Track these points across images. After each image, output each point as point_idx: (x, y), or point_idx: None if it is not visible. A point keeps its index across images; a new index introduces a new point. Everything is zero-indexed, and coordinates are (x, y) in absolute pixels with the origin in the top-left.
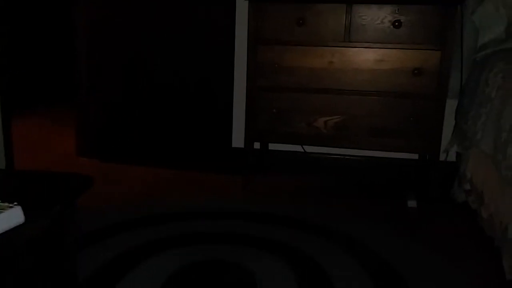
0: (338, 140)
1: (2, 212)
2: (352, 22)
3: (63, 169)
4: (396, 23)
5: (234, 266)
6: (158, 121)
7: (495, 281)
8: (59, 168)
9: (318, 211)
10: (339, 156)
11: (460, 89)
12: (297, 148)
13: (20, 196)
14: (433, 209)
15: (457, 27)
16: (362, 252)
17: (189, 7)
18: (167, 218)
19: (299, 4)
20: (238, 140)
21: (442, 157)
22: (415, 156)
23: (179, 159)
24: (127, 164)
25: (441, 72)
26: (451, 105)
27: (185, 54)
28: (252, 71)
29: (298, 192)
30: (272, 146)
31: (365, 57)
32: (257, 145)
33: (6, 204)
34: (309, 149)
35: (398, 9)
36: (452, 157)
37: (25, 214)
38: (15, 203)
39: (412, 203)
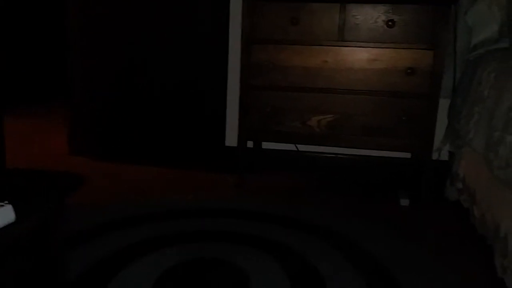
0: (331, 139)
1: None
2: (346, 22)
3: (55, 168)
4: (390, 23)
5: (227, 264)
6: (151, 120)
7: (487, 280)
8: (51, 166)
9: (311, 210)
10: (332, 155)
11: (453, 89)
12: (291, 147)
13: (11, 195)
14: (426, 207)
15: (451, 26)
16: (354, 251)
17: (183, 6)
18: (159, 216)
19: (293, 3)
20: (231, 139)
21: (434, 156)
22: (407, 155)
23: (172, 158)
24: (120, 162)
25: (434, 71)
26: (444, 104)
27: (179, 53)
28: (246, 70)
29: (291, 191)
30: (265, 145)
31: (358, 56)
32: (250, 144)
33: None
34: (303, 148)
35: (391, 9)
36: (444, 156)
37: (16, 212)
38: (6, 201)
39: (404, 202)
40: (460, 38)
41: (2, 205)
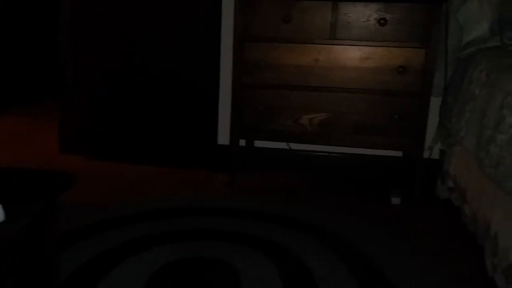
0: (323, 137)
1: None
2: (338, 20)
3: (46, 166)
4: (382, 21)
5: (218, 262)
6: (144, 118)
7: (477, 278)
8: (42, 165)
9: (303, 208)
10: (324, 154)
11: (445, 87)
12: (283, 145)
13: (1, 194)
14: (417, 206)
15: (442, 25)
16: (345, 249)
17: (177, 5)
18: (151, 215)
19: (285, 1)
20: (223, 137)
21: (426, 154)
22: (399, 154)
23: (164, 156)
24: (112, 161)
25: (426, 70)
26: (435, 103)
27: (171, 51)
28: (238, 68)
29: (284, 189)
30: (257, 144)
31: (350, 54)
32: (242, 143)
33: None
34: (295, 146)
35: (383, 7)
36: (436, 154)
37: (6, 212)
38: None
39: (396, 200)
40: (452, 37)
41: None
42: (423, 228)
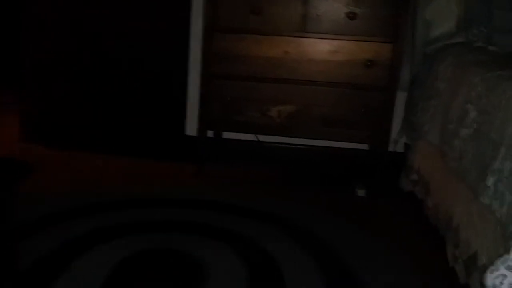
0: (291, 129)
1: None
2: (308, 13)
3: (5, 155)
4: (351, 15)
5: (183, 254)
6: (109, 107)
7: (438, 269)
8: (1, 153)
9: (269, 199)
10: (292, 146)
11: (411, 82)
12: (251, 137)
13: None
14: (382, 198)
15: (409, 20)
16: (310, 239)
17: None
18: (115, 205)
19: None
20: (191, 128)
21: (391, 147)
22: (365, 147)
23: (130, 147)
24: (74, 151)
25: (393, 64)
26: (401, 97)
27: (138, 40)
28: (207, 58)
29: (250, 181)
30: (225, 135)
31: (320, 48)
32: (210, 134)
33: None
34: (263, 138)
35: (353, 1)
36: (401, 148)
37: None
38: None
39: (361, 192)
40: (419, 32)
41: None
42: (387, 219)
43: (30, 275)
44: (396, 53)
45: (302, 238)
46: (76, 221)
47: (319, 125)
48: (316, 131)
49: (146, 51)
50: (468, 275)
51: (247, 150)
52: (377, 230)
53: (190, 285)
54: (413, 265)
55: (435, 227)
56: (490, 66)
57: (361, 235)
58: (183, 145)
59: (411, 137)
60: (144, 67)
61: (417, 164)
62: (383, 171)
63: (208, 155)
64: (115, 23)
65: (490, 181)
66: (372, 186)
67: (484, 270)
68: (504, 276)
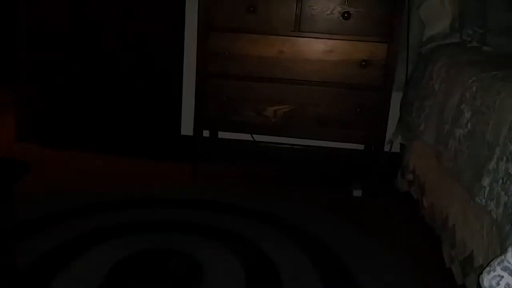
0: (287, 129)
1: None
2: (303, 12)
3: (4, 155)
4: (346, 15)
5: (182, 254)
6: (105, 107)
7: (435, 269)
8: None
9: (265, 199)
10: (287, 146)
11: (406, 82)
12: (247, 137)
13: None
14: (378, 198)
15: (404, 20)
16: (307, 239)
17: None
18: (115, 205)
19: None
20: (187, 127)
21: (386, 148)
22: (360, 147)
23: (127, 146)
24: (71, 150)
25: (388, 64)
26: (397, 97)
27: (134, 40)
28: (202, 58)
29: (246, 181)
30: (221, 135)
31: (314, 47)
32: (206, 133)
33: None
34: (259, 138)
35: (347, 1)
36: (396, 148)
37: None
38: None
39: (357, 192)
40: (413, 32)
41: None
42: (383, 220)
43: (30, 274)
44: (391, 53)
45: (300, 238)
46: (75, 221)
47: (314, 125)
48: (311, 131)
49: (144, 51)
50: (464, 276)
51: (243, 149)
52: (374, 231)
53: (190, 285)
54: (412, 266)
55: (431, 227)
56: (485, 66)
57: (358, 236)
58: (179, 145)
59: (406, 137)
60: (141, 68)
61: (413, 164)
62: (379, 171)
63: (204, 155)
64: (111, 27)
65: (486, 181)
66: (369, 186)
67: (480, 271)
68: (501, 277)
